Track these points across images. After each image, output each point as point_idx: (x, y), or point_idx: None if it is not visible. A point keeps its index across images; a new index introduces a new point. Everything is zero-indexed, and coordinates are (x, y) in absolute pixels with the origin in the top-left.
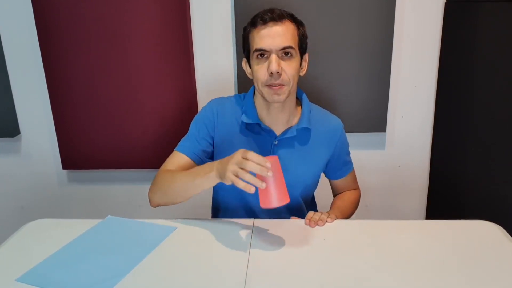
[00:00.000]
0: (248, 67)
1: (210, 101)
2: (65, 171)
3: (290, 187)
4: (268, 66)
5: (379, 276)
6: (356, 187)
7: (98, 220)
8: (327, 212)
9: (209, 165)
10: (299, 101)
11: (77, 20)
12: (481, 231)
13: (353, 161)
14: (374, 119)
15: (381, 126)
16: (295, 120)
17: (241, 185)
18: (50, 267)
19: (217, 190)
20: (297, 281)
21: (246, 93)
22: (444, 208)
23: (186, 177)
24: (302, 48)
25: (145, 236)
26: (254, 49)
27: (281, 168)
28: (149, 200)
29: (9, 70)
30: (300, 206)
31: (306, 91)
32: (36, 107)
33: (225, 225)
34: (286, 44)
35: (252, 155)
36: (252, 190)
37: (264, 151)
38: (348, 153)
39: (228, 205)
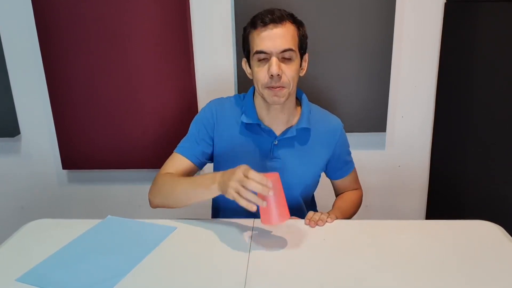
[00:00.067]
0: (248, 67)
1: (210, 101)
2: (65, 171)
3: (290, 187)
4: (269, 69)
5: (379, 276)
6: (358, 187)
7: (98, 220)
8: (327, 213)
9: (211, 176)
10: (298, 101)
11: (77, 20)
12: (481, 231)
13: (353, 161)
14: (374, 119)
15: (381, 126)
16: (294, 120)
17: (243, 203)
18: (50, 267)
19: None
20: (297, 281)
21: (246, 93)
22: (444, 208)
23: (188, 186)
24: (302, 49)
25: (145, 236)
26: (254, 51)
27: (281, 169)
28: (149, 201)
29: (9, 70)
30: (300, 206)
31: (306, 91)
32: (36, 107)
33: (225, 225)
34: (286, 46)
35: (254, 174)
36: (253, 208)
37: (264, 151)
38: (349, 153)
39: (228, 205)
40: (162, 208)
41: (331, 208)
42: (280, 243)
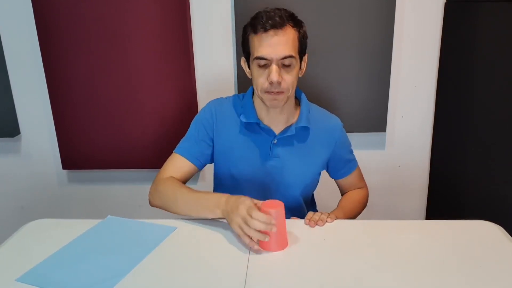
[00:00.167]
0: (246, 66)
1: (209, 102)
2: (65, 171)
3: (290, 187)
4: (269, 75)
5: (379, 276)
6: (362, 185)
7: (98, 220)
8: (330, 213)
9: (216, 200)
10: (298, 101)
11: (77, 20)
12: (481, 231)
13: (356, 159)
14: (374, 119)
15: (381, 126)
16: (294, 119)
17: (246, 240)
18: (50, 267)
19: (218, 191)
20: (297, 281)
21: (245, 93)
22: (444, 208)
23: (191, 202)
24: (302, 52)
25: (145, 236)
26: (254, 56)
27: (280, 168)
28: (149, 201)
29: (9, 70)
30: (301, 206)
31: (306, 91)
32: (36, 107)
33: (225, 225)
34: (287, 53)
35: (257, 214)
36: (255, 246)
37: (263, 150)
38: (350, 152)
39: None
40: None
41: (331, 208)
42: None
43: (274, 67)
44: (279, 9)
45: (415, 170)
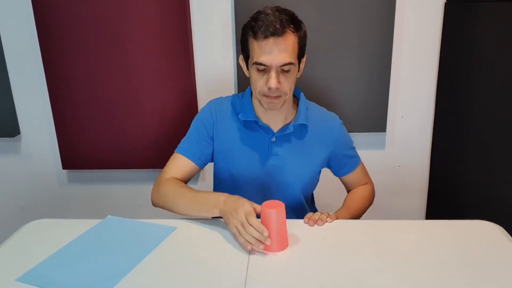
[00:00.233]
0: (244, 65)
1: (209, 101)
2: (65, 171)
3: (289, 185)
4: (268, 81)
5: (379, 276)
6: (367, 181)
7: (98, 220)
8: (329, 213)
9: (215, 200)
10: (296, 99)
11: (77, 20)
12: (481, 231)
13: (358, 155)
14: (374, 119)
15: (381, 126)
16: (292, 117)
17: (240, 240)
18: (50, 267)
19: (218, 191)
20: (297, 281)
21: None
22: (444, 208)
23: (191, 202)
24: (301, 55)
25: (145, 236)
26: (254, 61)
27: (279, 166)
28: (151, 200)
29: (9, 70)
30: (302, 205)
31: (306, 91)
32: (36, 107)
33: (225, 225)
34: (287, 61)
35: (254, 221)
36: (249, 247)
37: (262, 148)
38: (351, 148)
39: None
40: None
41: (331, 207)
42: None
43: (273, 74)
44: (279, 11)
45: (415, 170)
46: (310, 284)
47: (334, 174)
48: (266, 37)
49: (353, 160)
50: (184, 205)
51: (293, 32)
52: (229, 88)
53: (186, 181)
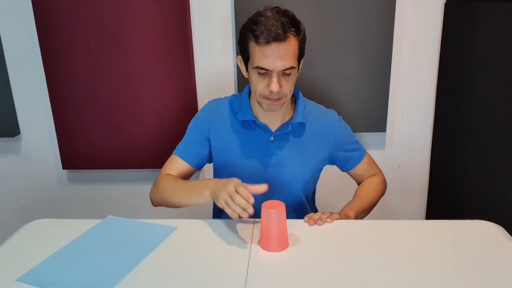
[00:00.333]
0: (243, 65)
1: (207, 102)
2: (65, 171)
3: (289, 183)
4: (269, 85)
5: (379, 276)
6: (375, 172)
7: (98, 220)
8: (331, 213)
9: (205, 183)
10: (294, 97)
11: (77, 20)
12: (481, 231)
13: (362, 147)
14: (374, 119)
15: (381, 126)
16: (290, 116)
17: (228, 211)
18: (50, 267)
19: None
20: (297, 281)
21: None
22: (444, 208)
23: (184, 189)
24: (302, 56)
25: (145, 236)
26: (255, 65)
27: (278, 165)
28: (151, 200)
29: (9, 70)
30: (303, 204)
31: (306, 91)
32: (36, 107)
33: (225, 225)
34: (288, 65)
35: (242, 190)
36: (235, 216)
37: (260, 148)
38: (354, 142)
39: None
40: (162, 208)
41: (332, 206)
42: None
43: (274, 78)
44: (279, 13)
45: (415, 170)
46: (310, 284)
47: (341, 170)
48: (268, 42)
49: (357, 153)
50: (178, 195)
51: (294, 35)
52: (229, 88)
53: None
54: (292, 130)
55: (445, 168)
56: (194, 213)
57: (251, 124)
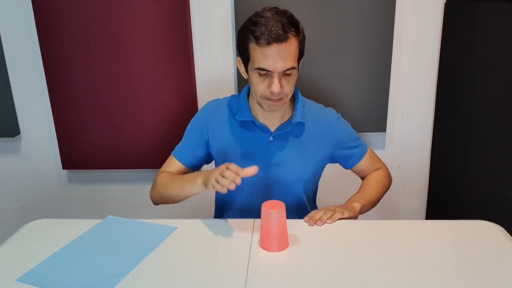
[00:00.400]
0: (242, 66)
1: (206, 103)
2: (65, 171)
3: (289, 183)
4: (270, 85)
5: (379, 276)
6: (379, 166)
7: (98, 220)
8: (331, 213)
9: (199, 173)
10: (292, 97)
11: (77, 20)
12: (481, 231)
13: (364, 143)
14: (374, 119)
15: (381, 126)
16: (289, 116)
17: (217, 187)
18: (50, 267)
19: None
20: (297, 281)
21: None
22: (444, 208)
23: (179, 181)
24: (302, 56)
25: (145, 236)
26: (256, 66)
27: (278, 165)
28: (151, 198)
29: (9, 70)
30: (304, 204)
31: (306, 91)
32: (36, 107)
33: (225, 225)
34: (289, 66)
35: (233, 166)
36: (224, 190)
37: (260, 148)
38: (354, 138)
39: (232, 205)
40: (162, 208)
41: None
42: None
43: (275, 79)
44: (278, 14)
45: (415, 170)
46: (310, 284)
47: (344, 167)
48: (269, 43)
49: (359, 149)
50: (174, 187)
51: (294, 36)
52: (229, 88)
53: None
54: (292, 130)
55: (445, 168)
56: (194, 213)
57: (250, 125)
